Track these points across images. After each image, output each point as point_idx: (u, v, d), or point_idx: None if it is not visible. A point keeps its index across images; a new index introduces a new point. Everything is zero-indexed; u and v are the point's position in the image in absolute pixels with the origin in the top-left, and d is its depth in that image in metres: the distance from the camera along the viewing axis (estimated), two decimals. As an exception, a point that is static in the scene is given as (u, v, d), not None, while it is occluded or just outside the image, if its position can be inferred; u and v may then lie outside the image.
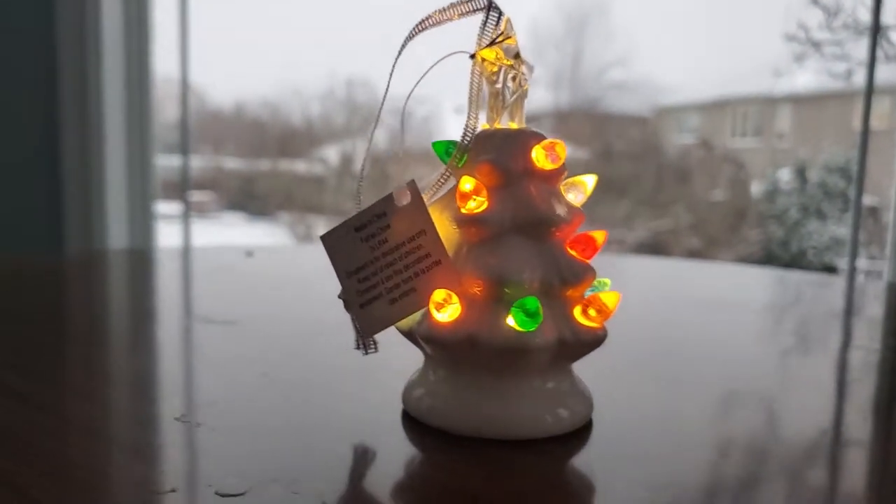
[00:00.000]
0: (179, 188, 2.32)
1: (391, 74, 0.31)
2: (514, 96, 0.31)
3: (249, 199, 4.45)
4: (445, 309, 0.28)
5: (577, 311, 0.29)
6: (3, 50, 1.42)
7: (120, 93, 1.50)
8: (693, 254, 4.73)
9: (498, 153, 0.30)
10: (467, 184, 0.29)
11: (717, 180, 4.87)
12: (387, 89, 0.31)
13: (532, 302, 0.26)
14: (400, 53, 0.31)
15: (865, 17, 2.63)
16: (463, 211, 0.30)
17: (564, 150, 0.30)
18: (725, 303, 0.72)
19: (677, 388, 0.41)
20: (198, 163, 2.06)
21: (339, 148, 4.53)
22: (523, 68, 0.31)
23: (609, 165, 4.99)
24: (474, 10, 0.30)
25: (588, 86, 5.89)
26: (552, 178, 0.31)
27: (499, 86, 0.31)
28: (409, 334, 0.31)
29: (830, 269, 4.56)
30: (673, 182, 4.85)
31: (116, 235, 1.49)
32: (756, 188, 4.89)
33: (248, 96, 5.41)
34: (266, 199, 4.50)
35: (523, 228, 0.29)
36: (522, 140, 0.30)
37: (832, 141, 4.66)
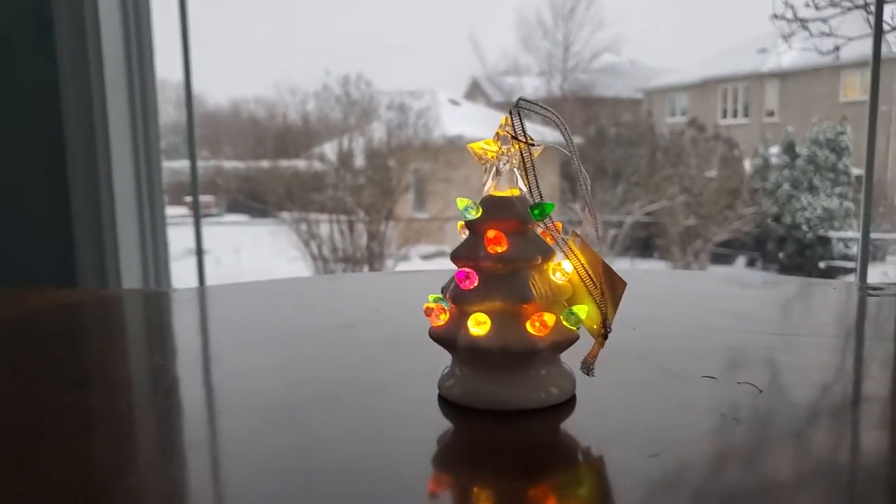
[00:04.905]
0: (184, 192, 2.32)
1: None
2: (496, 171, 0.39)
3: (251, 199, 4.46)
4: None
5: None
6: (4, 67, 1.39)
7: (123, 98, 1.48)
8: (689, 232, 4.80)
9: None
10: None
11: (710, 159, 4.94)
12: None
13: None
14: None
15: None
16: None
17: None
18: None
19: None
20: (197, 165, 2.09)
21: (336, 144, 4.53)
22: (513, 149, 0.38)
23: (603, 150, 5.05)
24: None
25: (579, 72, 5.94)
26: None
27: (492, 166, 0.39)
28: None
29: (824, 241, 4.65)
30: (666, 163, 4.92)
31: (126, 241, 1.46)
32: (748, 165, 4.96)
33: (243, 96, 5.41)
34: (267, 199, 4.49)
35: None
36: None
37: (820, 116, 4.73)
